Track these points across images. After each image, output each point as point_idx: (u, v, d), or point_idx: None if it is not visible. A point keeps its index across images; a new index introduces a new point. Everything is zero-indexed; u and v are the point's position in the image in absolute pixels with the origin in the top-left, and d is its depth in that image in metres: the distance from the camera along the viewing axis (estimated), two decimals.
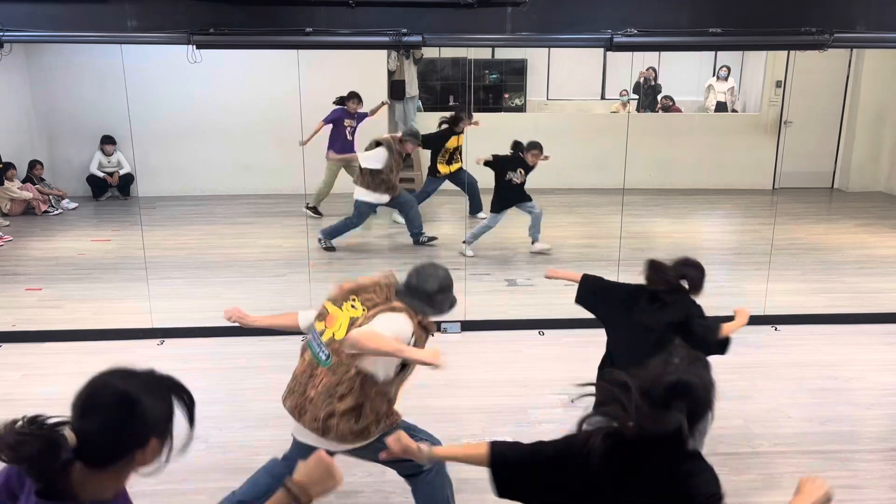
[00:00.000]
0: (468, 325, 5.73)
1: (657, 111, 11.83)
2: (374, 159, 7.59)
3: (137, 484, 4.01)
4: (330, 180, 8.91)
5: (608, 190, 9.35)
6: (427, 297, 3.00)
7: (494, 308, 6.09)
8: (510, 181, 7.48)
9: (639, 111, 11.87)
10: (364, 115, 8.84)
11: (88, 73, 9.60)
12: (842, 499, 3.69)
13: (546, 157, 7.70)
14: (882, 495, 3.72)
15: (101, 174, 10.13)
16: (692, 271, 3.54)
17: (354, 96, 8.79)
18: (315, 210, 8.89)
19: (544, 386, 4.75)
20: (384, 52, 9.82)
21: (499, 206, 7.52)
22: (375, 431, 3.01)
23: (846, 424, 4.40)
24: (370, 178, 7.62)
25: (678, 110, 11.75)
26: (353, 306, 3.00)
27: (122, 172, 10.18)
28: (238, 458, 4.01)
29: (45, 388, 4.74)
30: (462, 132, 8.42)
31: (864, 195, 10.58)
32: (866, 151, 10.74)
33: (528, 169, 7.57)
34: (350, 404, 2.91)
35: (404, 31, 5.08)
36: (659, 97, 12.02)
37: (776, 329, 5.79)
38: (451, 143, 8.46)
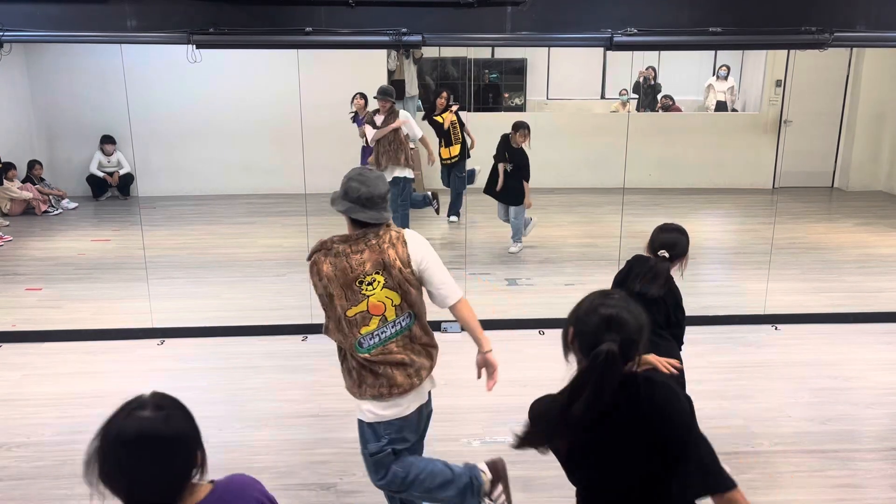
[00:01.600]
0: None
1: (657, 110, 11.84)
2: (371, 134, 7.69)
3: None
4: None
5: (608, 189, 9.36)
6: (384, 199, 2.88)
7: (495, 307, 6.09)
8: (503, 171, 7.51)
9: (639, 110, 11.88)
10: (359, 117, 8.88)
11: (88, 73, 9.61)
12: (842, 498, 3.70)
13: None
14: (882, 494, 3.72)
15: (100, 174, 10.13)
16: (669, 236, 3.49)
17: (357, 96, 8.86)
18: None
19: (544, 385, 4.70)
20: (384, 52, 9.83)
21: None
22: None
23: (846, 424, 4.40)
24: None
25: (678, 110, 11.75)
26: (370, 284, 2.81)
27: (121, 172, 10.19)
28: (238, 458, 4.01)
29: (45, 388, 4.75)
30: (443, 110, 8.61)
31: (864, 194, 10.58)
32: (866, 151, 10.75)
33: (515, 155, 7.45)
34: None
35: (404, 30, 5.08)
36: (659, 96, 12.02)
37: (776, 328, 5.79)
38: (439, 120, 8.64)
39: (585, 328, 1.85)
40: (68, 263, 7.46)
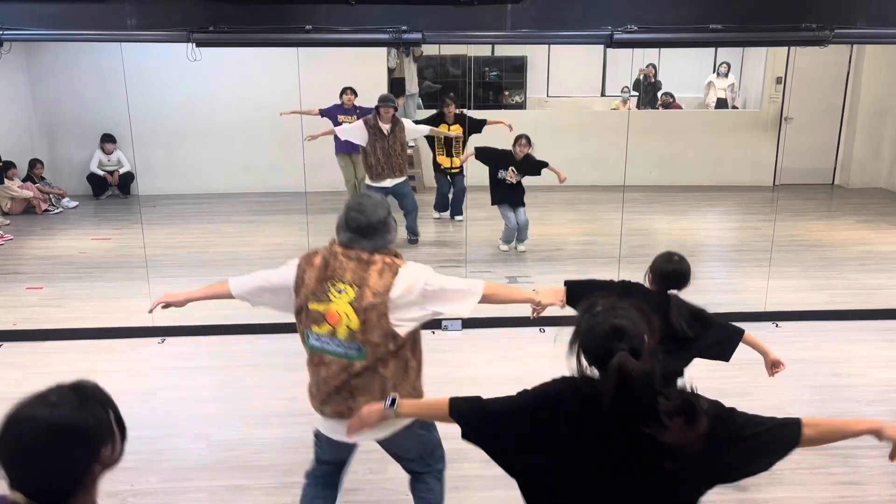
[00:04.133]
0: (469, 323, 5.73)
1: (657, 108, 11.83)
2: (350, 131, 7.67)
3: (138, 482, 4.02)
4: (347, 175, 9.05)
5: (609, 187, 9.34)
6: (385, 225, 2.83)
7: (495, 305, 6.08)
8: (502, 180, 7.45)
9: (639, 108, 11.87)
10: (366, 111, 8.74)
11: (88, 71, 9.60)
12: (844, 495, 3.70)
13: (562, 177, 7.50)
14: (883, 491, 3.72)
15: (101, 173, 10.13)
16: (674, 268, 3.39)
17: (347, 90, 8.78)
18: None
19: None
20: (384, 50, 9.82)
21: (494, 199, 7.56)
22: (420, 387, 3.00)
23: None
24: (366, 165, 7.73)
25: (678, 107, 11.74)
26: (339, 291, 2.75)
27: (122, 171, 10.18)
28: (239, 457, 4.02)
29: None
30: (450, 122, 8.45)
31: (865, 191, 10.58)
32: (867, 148, 10.73)
33: (520, 166, 7.43)
34: (394, 369, 2.83)
35: (404, 28, 5.08)
36: (659, 94, 12.01)
37: (777, 326, 5.79)
38: (444, 129, 8.48)
39: (593, 349, 1.86)
40: (69, 262, 7.46)
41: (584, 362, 1.87)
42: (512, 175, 7.42)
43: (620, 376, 1.74)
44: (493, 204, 7.61)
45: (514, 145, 7.46)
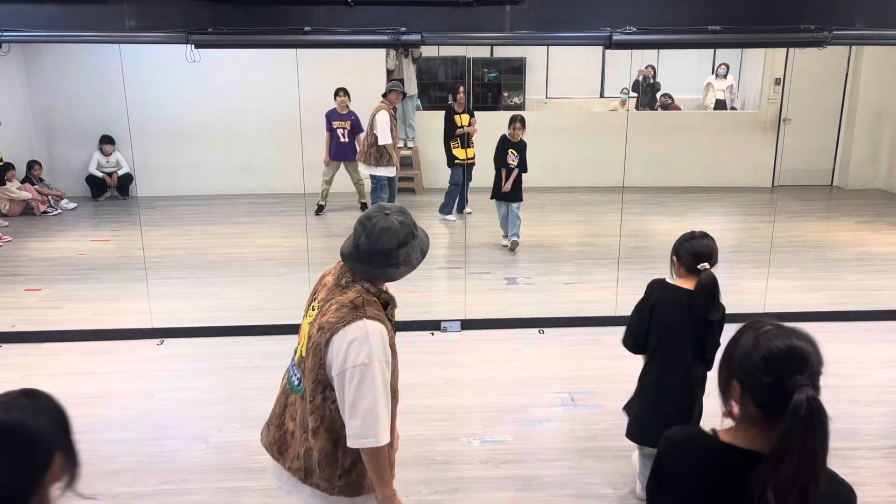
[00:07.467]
0: (468, 324, 5.73)
1: (656, 109, 11.84)
2: (382, 133, 7.82)
3: (137, 484, 4.02)
4: (325, 186, 9.16)
5: (607, 188, 9.36)
6: (388, 257, 2.25)
7: (494, 306, 6.09)
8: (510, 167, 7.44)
9: (638, 109, 11.88)
10: (354, 115, 8.85)
11: (87, 73, 9.60)
12: None
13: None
14: (883, 492, 3.72)
15: (99, 174, 10.13)
16: (703, 244, 3.30)
17: (341, 92, 8.84)
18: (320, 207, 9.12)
19: (544, 384, 4.75)
20: (383, 51, 9.83)
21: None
22: (366, 484, 2.34)
23: (847, 422, 4.40)
24: (377, 154, 7.87)
25: (677, 108, 11.75)
26: (313, 309, 2.35)
27: (120, 172, 10.18)
28: (238, 458, 4.01)
29: (45, 388, 4.74)
30: (462, 111, 8.47)
31: (864, 192, 10.58)
32: (865, 149, 10.75)
33: (519, 148, 7.41)
34: (324, 441, 2.27)
35: (403, 29, 5.08)
36: (658, 95, 12.02)
37: None
38: (457, 120, 8.48)
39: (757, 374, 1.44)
40: (67, 264, 7.45)
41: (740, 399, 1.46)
42: (512, 158, 7.40)
43: (808, 424, 1.31)
44: (499, 199, 7.54)
45: (510, 126, 7.43)
